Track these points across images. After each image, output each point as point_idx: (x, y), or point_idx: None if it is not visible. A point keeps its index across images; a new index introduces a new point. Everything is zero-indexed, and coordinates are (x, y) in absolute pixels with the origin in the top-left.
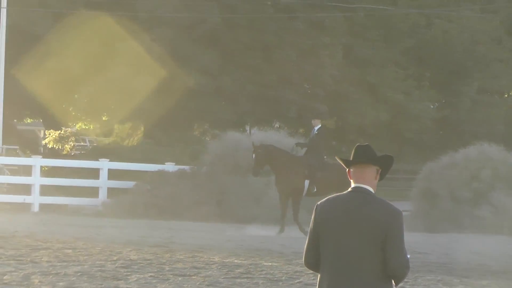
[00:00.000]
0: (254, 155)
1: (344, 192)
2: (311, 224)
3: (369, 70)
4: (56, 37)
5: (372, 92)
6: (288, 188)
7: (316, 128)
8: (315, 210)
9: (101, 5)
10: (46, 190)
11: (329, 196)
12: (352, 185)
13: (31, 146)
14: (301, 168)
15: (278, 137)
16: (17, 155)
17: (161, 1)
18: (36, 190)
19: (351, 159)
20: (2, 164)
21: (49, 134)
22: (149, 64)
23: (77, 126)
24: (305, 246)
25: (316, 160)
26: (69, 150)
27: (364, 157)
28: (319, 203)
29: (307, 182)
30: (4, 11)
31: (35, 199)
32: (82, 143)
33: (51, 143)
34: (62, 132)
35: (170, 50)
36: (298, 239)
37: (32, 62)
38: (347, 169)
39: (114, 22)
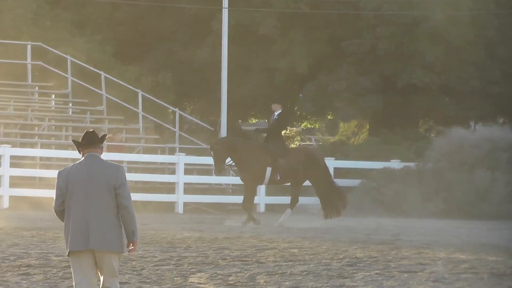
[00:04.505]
0: (212, 153)
1: None
2: None
3: None
4: (281, 37)
5: None
6: (250, 176)
7: (276, 113)
8: None
9: (325, 4)
10: (271, 190)
11: None
12: None
13: None
14: (263, 156)
15: (502, 133)
16: None
17: None
18: (262, 190)
19: None
20: (227, 165)
21: None
22: (374, 62)
23: (303, 125)
24: None
25: (278, 146)
26: None
27: None
28: None
29: (269, 170)
30: (226, 11)
31: (261, 200)
32: (308, 142)
33: None
34: (288, 132)
35: (394, 47)
36: None
37: (257, 62)
38: None
39: (338, 21)
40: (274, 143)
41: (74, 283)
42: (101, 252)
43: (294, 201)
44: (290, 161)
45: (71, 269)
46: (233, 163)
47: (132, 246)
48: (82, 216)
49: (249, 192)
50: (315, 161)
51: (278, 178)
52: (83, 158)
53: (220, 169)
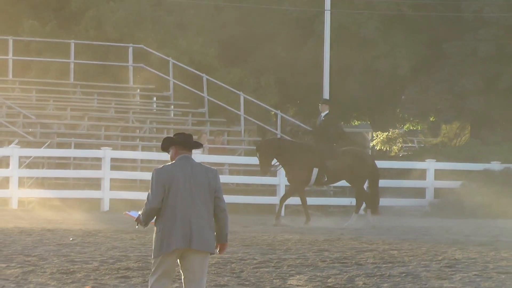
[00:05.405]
0: (257, 154)
1: None
2: None
3: None
4: (383, 38)
5: None
6: (296, 177)
7: (323, 114)
8: None
9: (426, 6)
10: None
11: None
12: None
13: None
14: (310, 157)
15: None
16: None
17: (486, 1)
18: None
19: None
20: (273, 166)
21: (377, 136)
22: (475, 63)
23: (405, 127)
24: None
25: (326, 147)
26: (396, 151)
27: None
28: None
29: (315, 171)
30: (328, 13)
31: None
32: (410, 144)
33: (379, 144)
34: (390, 134)
35: (495, 49)
36: None
37: (359, 64)
38: None
39: (440, 23)
40: (322, 144)
41: (153, 281)
42: (199, 252)
43: (368, 202)
44: (337, 163)
45: (154, 266)
46: (279, 164)
47: (221, 248)
48: (185, 215)
49: (290, 192)
50: (362, 163)
51: (325, 179)
52: (178, 158)
53: (265, 170)
